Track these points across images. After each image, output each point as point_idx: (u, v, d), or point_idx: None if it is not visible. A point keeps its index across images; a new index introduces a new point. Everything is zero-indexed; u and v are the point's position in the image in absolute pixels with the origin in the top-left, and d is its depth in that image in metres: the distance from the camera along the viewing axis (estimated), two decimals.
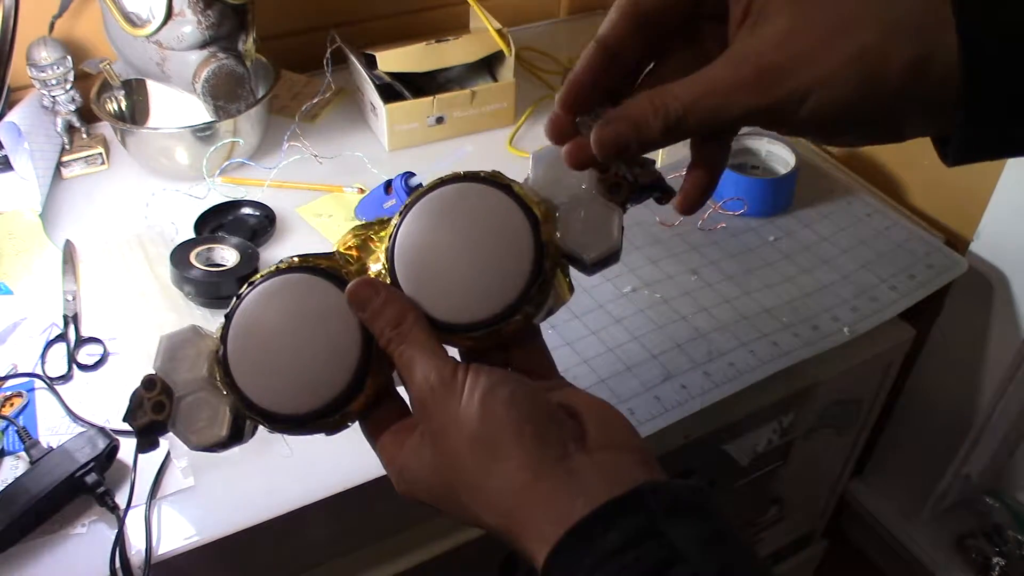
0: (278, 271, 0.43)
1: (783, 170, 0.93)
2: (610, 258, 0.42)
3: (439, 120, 1.00)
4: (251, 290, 0.43)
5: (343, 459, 0.65)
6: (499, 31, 0.99)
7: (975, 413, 1.02)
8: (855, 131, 0.37)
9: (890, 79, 0.33)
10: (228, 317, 0.43)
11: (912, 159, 0.96)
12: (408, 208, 0.43)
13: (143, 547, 0.59)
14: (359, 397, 0.41)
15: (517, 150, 1.01)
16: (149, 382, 0.42)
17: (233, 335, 0.42)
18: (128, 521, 0.60)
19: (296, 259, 0.43)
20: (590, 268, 0.43)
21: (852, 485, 1.22)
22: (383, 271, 0.43)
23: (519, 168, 0.45)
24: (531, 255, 0.41)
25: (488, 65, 1.06)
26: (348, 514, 0.69)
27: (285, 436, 0.57)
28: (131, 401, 0.43)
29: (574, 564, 0.34)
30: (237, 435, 0.43)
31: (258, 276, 0.43)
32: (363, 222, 0.47)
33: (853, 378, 0.94)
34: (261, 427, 0.43)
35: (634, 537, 0.33)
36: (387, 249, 0.43)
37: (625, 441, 0.39)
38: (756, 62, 0.34)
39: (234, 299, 0.43)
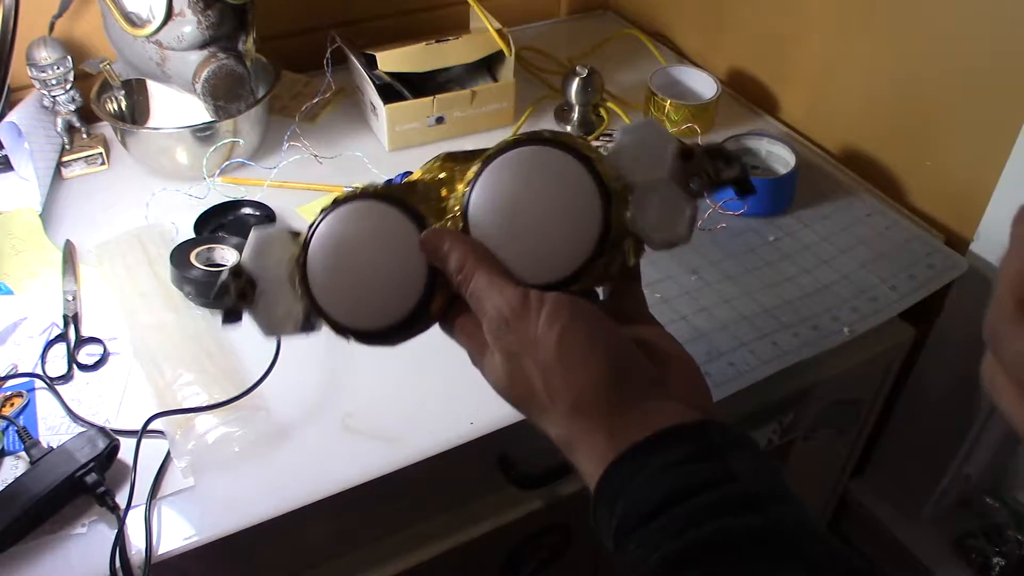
0: (363, 194, 0.47)
1: (783, 170, 0.93)
2: (676, 244, 0.44)
3: (439, 120, 1.00)
4: (335, 208, 0.47)
5: (343, 459, 0.65)
6: (499, 31, 0.99)
7: (975, 413, 1.02)
8: None
9: None
10: (312, 228, 0.47)
11: (912, 159, 0.96)
12: (489, 160, 0.45)
13: (143, 547, 0.59)
14: (418, 326, 0.46)
15: None
16: (237, 271, 0.47)
17: (313, 248, 0.47)
18: (128, 521, 0.60)
19: (380, 187, 0.47)
20: (657, 248, 0.44)
21: (852, 485, 1.22)
22: (458, 215, 0.45)
23: None
24: (597, 234, 0.43)
25: (488, 65, 1.06)
26: (348, 514, 0.69)
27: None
28: (219, 286, 0.47)
29: (632, 474, 0.36)
30: (308, 329, 0.48)
31: (342, 195, 0.47)
32: (451, 152, 0.49)
33: (853, 378, 0.94)
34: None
35: (693, 455, 0.36)
36: (463, 204, 0.45)
37: (701, 404, 0.41)
38: None
39: (319, 213, 0.47)
